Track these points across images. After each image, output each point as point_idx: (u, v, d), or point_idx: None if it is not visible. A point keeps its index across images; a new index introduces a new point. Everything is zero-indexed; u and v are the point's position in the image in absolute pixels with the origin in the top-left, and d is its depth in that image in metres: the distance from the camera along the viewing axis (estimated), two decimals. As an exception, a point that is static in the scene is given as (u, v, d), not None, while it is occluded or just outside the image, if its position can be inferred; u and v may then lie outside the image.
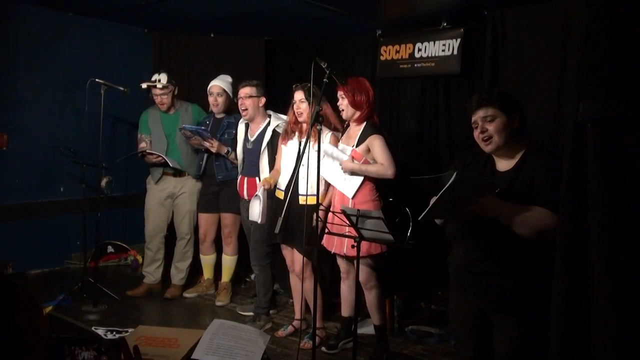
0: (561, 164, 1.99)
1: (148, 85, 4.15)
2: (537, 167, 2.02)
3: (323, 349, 3.36)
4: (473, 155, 2.25)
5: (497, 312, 2.13)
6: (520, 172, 2.05)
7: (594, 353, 1.42)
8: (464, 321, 2.26)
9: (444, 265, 2.35)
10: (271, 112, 3.81)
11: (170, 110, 4.31)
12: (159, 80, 4.13)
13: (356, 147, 3.18)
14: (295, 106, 3.41)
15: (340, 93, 3.21)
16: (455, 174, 1.88)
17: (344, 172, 3.20)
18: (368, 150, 3.16)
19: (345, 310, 3.47)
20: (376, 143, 3.14)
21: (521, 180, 2.04)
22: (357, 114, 3.20)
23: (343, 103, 3.21)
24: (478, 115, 2.10)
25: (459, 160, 2.30)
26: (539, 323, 2.00)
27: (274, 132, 3.70)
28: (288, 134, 3.52)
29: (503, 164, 2.14)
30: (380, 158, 3.13)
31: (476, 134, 2.13)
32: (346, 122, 3.35)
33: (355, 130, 3.24)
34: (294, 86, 3.44)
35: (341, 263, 3.38)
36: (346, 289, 3.43)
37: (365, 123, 3.21)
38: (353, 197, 3.17)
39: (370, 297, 3.28)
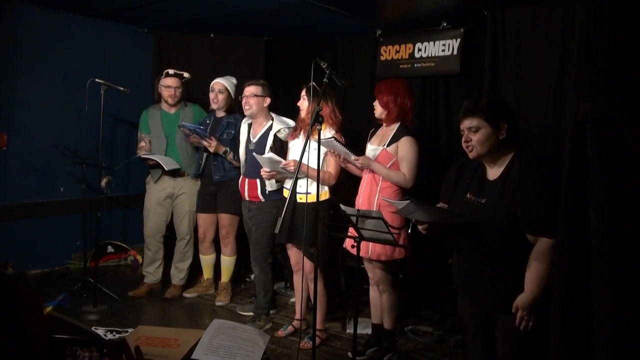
0: (546, 173, 2.03)
1: (176, 73, 4.21)
2: (518, 179, 2.03)
3: (349, 354, 3.24)
4: (467, 163, 2.28)
5: (497, 313, 2.15)
6: (507, 182, 2.07)
7: (594, 353, 1.42)
8: (471, 320, 2.30)
9: (445, 265, 2.36)
10: (274, 115, 3.81)
11: (170, 109, 4.32)
12: (187, 74, 4.21)
13: (387, 146, 3.14)
14: (299, 102, 3.45)
15: (375, 93, 3.24)
16: (408, 202, 2.04)
17: (362, 167, 3.19)
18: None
19: (375, 316, 3.37)
20: (406, 147, 3.10)
21: (508, 192, 2.05)
22: (387, 114, 3.18)
23: (375, 103, 3.22)
24: (464, 125, 2.15)
25: (453, 167, 2.35)
26: (538, 325, 2.02)
27: (275, 137, 3.70)
28: (296, 132, 3.55)
29: (492, 173, 2.17)
30: (404, 166, 3.09)
31: (462, 142, 2.17)
32: (379, 121, 3.33)
33: (388, 130, 3.21)
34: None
35: (368, 268, 3.28)
36: (375, 294, 3.33)
37: (399, 124, 3.18)
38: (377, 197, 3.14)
39: (382, 299, 3.25)
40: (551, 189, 1.95)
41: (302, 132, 3.50)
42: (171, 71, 4.24)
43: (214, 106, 4.13)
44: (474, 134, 2.10)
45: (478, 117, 2.09)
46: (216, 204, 4.17)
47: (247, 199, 3.81)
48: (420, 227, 2.20)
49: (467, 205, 2.14)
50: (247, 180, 3.78)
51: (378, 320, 3.34)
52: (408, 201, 2.02)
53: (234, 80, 4.17)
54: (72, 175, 4.65)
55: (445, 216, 2.13)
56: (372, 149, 3.24)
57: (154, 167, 4.28)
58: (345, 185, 3.88)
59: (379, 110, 3.21)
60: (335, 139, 3.14)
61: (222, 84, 4.10)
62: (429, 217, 2.14)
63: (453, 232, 2.14)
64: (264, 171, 3.51)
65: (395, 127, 3.18)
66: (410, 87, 3.26)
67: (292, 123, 3.69)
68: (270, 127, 3.75)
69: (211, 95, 4.11)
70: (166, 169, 4.16)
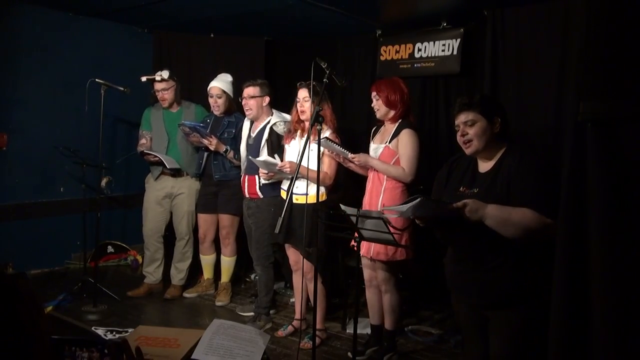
0: (540, 161, 2.06)
1: (147, 79, 4.15)
2: (513, 167, 2.08)
3: (349, 354, 3.23)
4: (458, 159, 2.32)
5: (489, 309, 2.17)
6: (499, 173, 2.12)
7: (594, 353, 1.42)
8: (466, 319, 2.31)
9: (444, 265, 2.37)
10: (274, 111, 3.81)
11: (172, 107, 4.31)
12: (160, 75, 4.13)
13: (389, 143, 3.13)
14: (299, 104, 3.41)
15: (373, 93, 3.20)
16: (418, 199, 1.98)
17: (360, 164, 3.18)
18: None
19: (373, 317, 3.37)
20: (405, 139, 3.09)
21: (500, 181, 2.09)
22: (392, 112, 3.16)
23: (377, 103, 3.18)
24: (460, 120, 2.19)
25: (446, 165, 2.37)
26: (529, 321, 2.04)
27: (271, 130, 3.70)
28: (291, 133, 3.53)
29: (484, 166, 2.21)
30: (404, 160, 3.09)
31: (458, 137, 2.20)
32: (380, 121, 3.31)
33: (390, 127, 3.20)
34: (298, 84, 3.42)
35: (365, 269, 3.28)
36: (372, 296, 3.33)
37: (400, 121, 3.17)
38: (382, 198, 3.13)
39: (385, 300, 3.25)
40: (547, 173, 2.00)
41: (297, 134, 3.49)
42: (143, 78, 4.16)
43: (215, 112, 4.12)
44: (470, 128, 2.15)
45: (473, 111, 2.15)
46: (217, 204, 4.17)
47: (247, 196, 3.81)
48: (418, 221, 2.20)
49: (461, 198, 2.15)
50: (247, 177, 3.79)
51: (376, 322, 3.34)
52: (418, 199, 1.99)
53: (229, 78, 4.14)
54: (72, 175, 4.65)
55: (447, 207, 2.11)
56: (374, 147, 3.24)
57: (154, 165, 4.28)
58: (345, 184, 3.88)
59: (383, 110, 3.18)
60: (328, 139, 3.13)
61: (218, 88, 4.06)
62: (432, 211, 2.13)
63: (449, 224, 2.15)
64: (262, 172, 3.51)
65: (397, 124, 3.18)
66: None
67: (289, 118, 3.69)
68: (268, 122, 3.76)
69: (210, 101, 4.10)
70: (168, 167, 4.16)
